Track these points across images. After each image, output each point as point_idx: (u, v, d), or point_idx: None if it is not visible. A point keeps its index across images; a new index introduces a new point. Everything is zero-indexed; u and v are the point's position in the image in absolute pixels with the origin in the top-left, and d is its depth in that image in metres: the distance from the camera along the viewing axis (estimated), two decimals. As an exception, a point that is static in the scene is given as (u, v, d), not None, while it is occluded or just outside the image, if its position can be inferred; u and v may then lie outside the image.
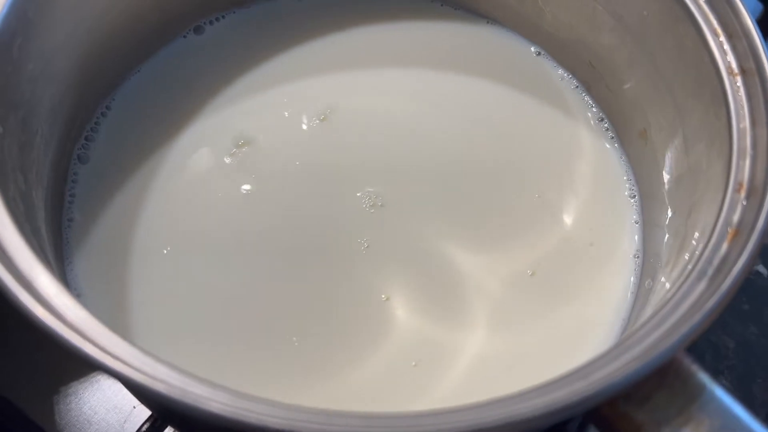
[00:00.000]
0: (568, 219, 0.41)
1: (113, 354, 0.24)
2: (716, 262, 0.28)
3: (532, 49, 0.47)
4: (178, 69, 0.45)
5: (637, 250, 0.40)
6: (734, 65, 0.33)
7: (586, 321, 0.39)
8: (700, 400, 0.26)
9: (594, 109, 0.45)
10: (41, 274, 0.26)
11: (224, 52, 0.45)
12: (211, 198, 0.41)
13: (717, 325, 0.49)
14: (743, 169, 0.31)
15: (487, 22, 0.47)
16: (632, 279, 0.40)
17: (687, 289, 0.28)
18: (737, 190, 0.30)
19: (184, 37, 0.46)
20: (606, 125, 0.44)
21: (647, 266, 0.39)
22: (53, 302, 0.26)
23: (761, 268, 0.50)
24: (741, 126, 0.32)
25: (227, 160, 0.42)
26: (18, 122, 0.34)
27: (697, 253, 0.29)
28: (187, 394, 0.24)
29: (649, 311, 0.33)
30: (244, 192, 0.41)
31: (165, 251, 0.39)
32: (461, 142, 0.43)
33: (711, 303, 0.27)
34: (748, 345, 0.48)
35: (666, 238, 0.38)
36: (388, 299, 0.38)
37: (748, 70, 0.33)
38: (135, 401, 0.44)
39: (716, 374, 0.47)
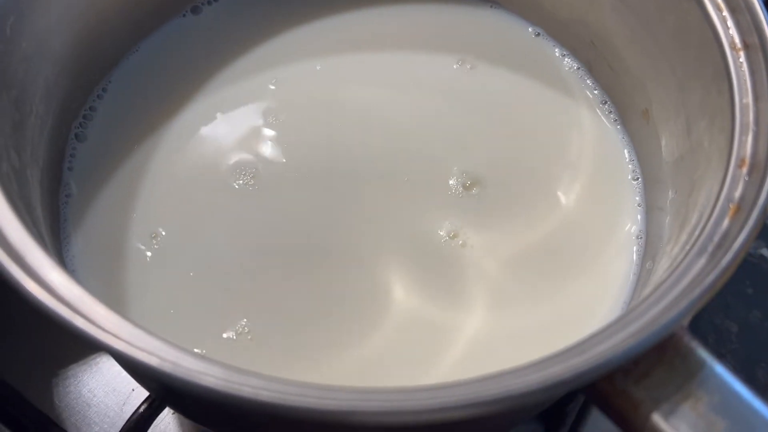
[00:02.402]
0: (569, 201, 0.41)
1: (104, 327, 0.24)
2: (717, 238, 0.28)
3: (530, 29, 0.46)
4: (175, 49, 0.44)
5: (640, 231, 0.40)
6: (737, 40, 0.32)
7: (587, 303, 0.38)
8: (700, 376, 0.26)
9: (595, 90, 0.44)
10: (33, 248, 0.26)
11: (222, 33, 0.45)
12: (211, 178, 0.41)
13: (720, 308, 0.49)
14: (745, 144, 0.30)
15: (491, 6, 0.47)
16: (634, 260, 0.39)
17: (687, 265, 0.27)
18: (739, 166, 0.30)
19: (183, 16, 0.45)
20: (608, 106, 0.44)
21: (649, 248, 0.39)
22: (45, 277, 0.26)
23: (765, 252, 0.50)
24: (744, 101, 0.31)
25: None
26: (11, 102, 0.34)
27: (698, 229, 0.29)
28: (180, 368, 0.24)
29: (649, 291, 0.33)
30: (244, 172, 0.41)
31: (163, 231, 0.39)
32: (460, 126, 0.43)
33: (711, 278, 0.26)
34: (752, 329, 0.48)
35: (668, 219, 0.37)
36: (387, 280, 0.38)
37: (752, 44, 0.32)
38: (134, 384, 0.44)
39: (719, 358, 0.47)
